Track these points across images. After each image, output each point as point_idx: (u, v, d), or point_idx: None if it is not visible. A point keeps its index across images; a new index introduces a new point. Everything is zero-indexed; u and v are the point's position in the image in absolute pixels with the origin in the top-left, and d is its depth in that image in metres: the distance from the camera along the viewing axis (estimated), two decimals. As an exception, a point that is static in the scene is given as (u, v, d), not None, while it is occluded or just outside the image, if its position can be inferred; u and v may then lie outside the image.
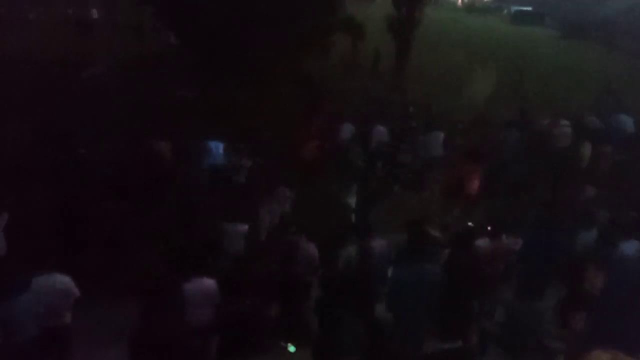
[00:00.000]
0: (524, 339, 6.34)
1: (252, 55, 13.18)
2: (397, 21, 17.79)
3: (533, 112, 12.67)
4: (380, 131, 11.22)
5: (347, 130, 11.10)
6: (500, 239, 7.11)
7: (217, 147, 9.56)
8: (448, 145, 11.42)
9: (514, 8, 38.99)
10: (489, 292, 6.80)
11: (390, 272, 6.22)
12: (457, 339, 5.65)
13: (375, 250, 6.47)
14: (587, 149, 10.97)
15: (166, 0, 14.04)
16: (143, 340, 4.69)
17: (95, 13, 20.61)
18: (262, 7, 12.89)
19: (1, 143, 8.93)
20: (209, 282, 5.72)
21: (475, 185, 9.91)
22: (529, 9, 37.62)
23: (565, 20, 32.35)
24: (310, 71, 15.03)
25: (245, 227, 7.64)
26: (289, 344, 6.30)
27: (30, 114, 10.39)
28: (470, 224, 7.57)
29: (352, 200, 9.87)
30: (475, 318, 6.31)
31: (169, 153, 9.01)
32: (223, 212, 7.75)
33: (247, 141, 9.68)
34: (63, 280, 5.60)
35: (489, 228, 7.23)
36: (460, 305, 5.73)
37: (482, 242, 6.87)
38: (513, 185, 10.14)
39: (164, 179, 8.40)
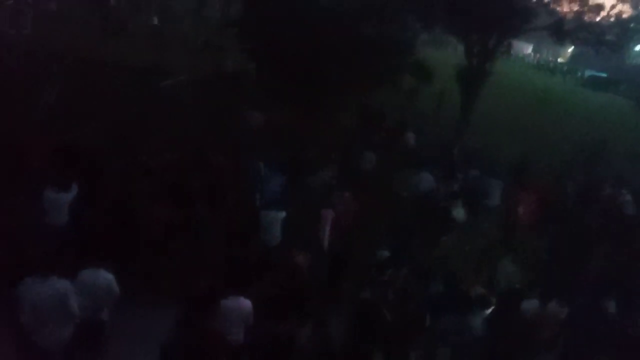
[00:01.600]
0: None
1: (322, 87, 13.51)
2: (467, 71, 17.76)
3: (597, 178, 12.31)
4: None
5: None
6: (549, 304, 6.83)
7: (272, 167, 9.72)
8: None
9: (588, 72, 38.29)
10: (530, 357, 6.50)
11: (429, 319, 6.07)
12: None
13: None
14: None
15: (250, 26, 14.60)
16: (176, 349, 4.76)
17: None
18: (339, 43, 13.25)
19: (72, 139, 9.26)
20: (245, 302, 5.76)
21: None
22: (604, 75, 36.83)
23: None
24: (374, 108, 15.18)
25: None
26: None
27: (106, 115, 10.88)
28: (517, 286, 7.34)
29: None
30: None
31: (228, 167, 9.23)
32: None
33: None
34: (107, 277, 5.74)
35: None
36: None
37: (529, 305, 6.61)
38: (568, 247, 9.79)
39: (220, 192, 8.57)
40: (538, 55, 52.11)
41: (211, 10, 26.42)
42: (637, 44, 36.67)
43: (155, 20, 24.05)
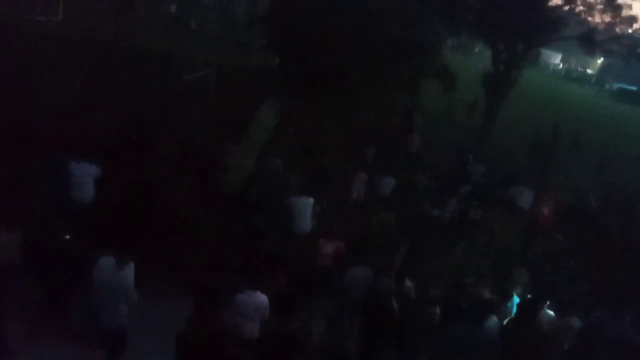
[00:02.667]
0: None
1: (344, 86, 13.47)
2: (493, 78, 17.57)
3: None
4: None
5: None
6: (566, 316, 6.74)
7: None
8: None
9: (617, 85, 37.70)
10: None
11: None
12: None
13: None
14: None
15: (275, 23, 14.65)
16: (189, 339, 4.79)
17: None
18: (363, 45, 13.18)
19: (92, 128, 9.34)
20: (261, 297, 5.77)
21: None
22: (634, 88, 36.22)
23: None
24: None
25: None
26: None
27: (126, 103, 11.00)
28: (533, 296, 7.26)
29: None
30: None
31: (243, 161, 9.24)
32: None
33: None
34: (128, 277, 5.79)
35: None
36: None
37: (545, 317, 6.53)
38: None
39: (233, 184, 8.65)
40: (566, 65, 51.37)
41: (238, 5, 26.51)
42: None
43: (174, 9, 24.11)
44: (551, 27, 16.78)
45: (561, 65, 51.22)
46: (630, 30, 18.06)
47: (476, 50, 32.53)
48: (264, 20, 15.26)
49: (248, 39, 18.17)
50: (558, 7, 17.48)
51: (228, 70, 15.50)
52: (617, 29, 17.80)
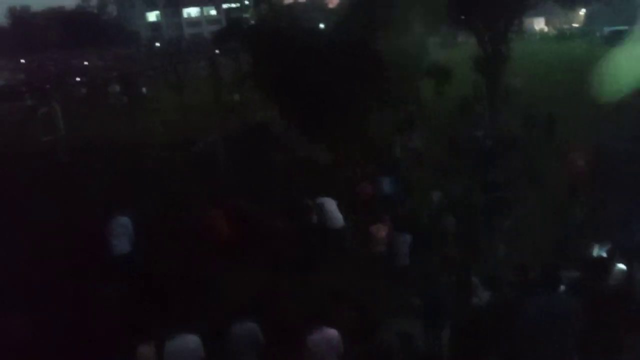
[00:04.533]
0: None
1: (350, 113, 13.71)
2: (484, 60, 17.62)
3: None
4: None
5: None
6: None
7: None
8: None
9: (607, 29, 37.38)
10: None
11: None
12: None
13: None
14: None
15: (263, 76, 15.00)
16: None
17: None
18: (353, 66, 13.40)
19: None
20: (332, 332, 5.76)
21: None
22: (624, 27, 35.86)
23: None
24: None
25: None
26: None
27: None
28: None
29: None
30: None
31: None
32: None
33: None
34: (194, 340, 5.86)
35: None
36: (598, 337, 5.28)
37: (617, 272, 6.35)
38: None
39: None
40: (552, 27, 51.26)
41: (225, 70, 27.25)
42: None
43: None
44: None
45: (547, 28, 51.14)
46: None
47: (459, 39, 32.76)
48: (252, 75, 15.63)
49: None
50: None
51: (231, 131, 15.97)
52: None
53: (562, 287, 5.47)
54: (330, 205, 9.83)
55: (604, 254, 6.86)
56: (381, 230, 9.13)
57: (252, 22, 17.01)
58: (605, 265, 6.10)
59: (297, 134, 14.80)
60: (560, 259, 6.81)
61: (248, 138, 15.28)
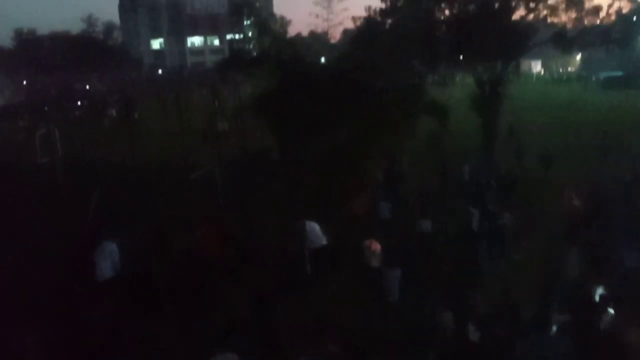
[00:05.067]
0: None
1: (345, 149, 13.78)
2: (481, 100, 17.87)
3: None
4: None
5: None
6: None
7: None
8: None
9: (603, 74, 38.05)
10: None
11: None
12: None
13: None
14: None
15: (261, 106, 15.18)
16: None
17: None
18: (354, 103, 13.58)
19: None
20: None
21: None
22: (620, 73, 36.56)
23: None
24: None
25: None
26: None
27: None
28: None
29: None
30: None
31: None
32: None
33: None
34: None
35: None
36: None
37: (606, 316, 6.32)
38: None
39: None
40: (548, 70, 52.17)
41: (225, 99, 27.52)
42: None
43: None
44: (521, 38, 17.25)
45: (543, 71, 52.04)
46: (598, 21, 18.41)
47: (457, 79, 33.28)
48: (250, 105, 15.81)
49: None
50: (522, 17, 18.02)
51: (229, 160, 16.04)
52: (586, 22, 18.18)
53: (554, 329, 5.44)
54: (314, 227, 9.97)
55: (598, 296, 6.85)
56: (375, 245, 9.32)
57: (254, 53, 17.28)
58: (597, 308, 6.07)
59: (294, 163, 14.90)
60: (553, 300, 6.78)
61: (246, 166, 15.40)
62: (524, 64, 35.47)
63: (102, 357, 6.67)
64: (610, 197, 11.32)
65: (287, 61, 14.82)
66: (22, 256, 9.55)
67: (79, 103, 41.76)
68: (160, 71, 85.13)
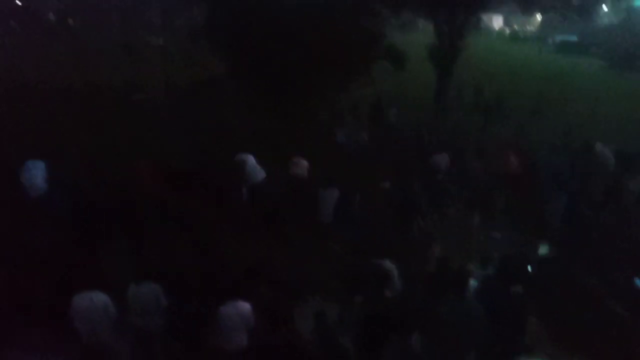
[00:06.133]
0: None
1: (296, 85, 13.53)
2: (439, 51, 17.79)
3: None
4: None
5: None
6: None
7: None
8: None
9: (559, 37, 38.58)
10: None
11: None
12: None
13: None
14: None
15: (217, 32, 14.55)
16: None
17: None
18: (307, 39, 13.22)
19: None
20: (244, 306, 5.75)
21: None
22: (574, 38, 37.17)
23: (613, 51, 31.75)
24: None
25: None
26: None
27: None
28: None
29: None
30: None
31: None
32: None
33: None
34: (102, 299, 5.72)
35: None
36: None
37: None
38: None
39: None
40: (509, 27, 52.33)
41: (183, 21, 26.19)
42: (604, 6, 37.13)
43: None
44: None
45: (505, 29, 52.19)
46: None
47: (420, 26, 32.78)
48: (205, 30, 15.14)
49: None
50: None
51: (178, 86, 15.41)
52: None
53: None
54: (251, 160, 9.81)
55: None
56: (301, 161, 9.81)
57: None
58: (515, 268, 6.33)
59: (245, 93, 14.53)
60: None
61: (195, 93, 14.87)
62: (486, 19, 35.37)
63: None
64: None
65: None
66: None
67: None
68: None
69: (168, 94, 15.22)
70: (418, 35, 26.58)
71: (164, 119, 12.92)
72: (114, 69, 16.25)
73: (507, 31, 50.77)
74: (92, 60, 17.56)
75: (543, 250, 8.16)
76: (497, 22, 52.39)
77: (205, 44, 15.18)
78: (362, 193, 9.60)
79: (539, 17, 42.29)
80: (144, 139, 11.06)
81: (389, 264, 6.77)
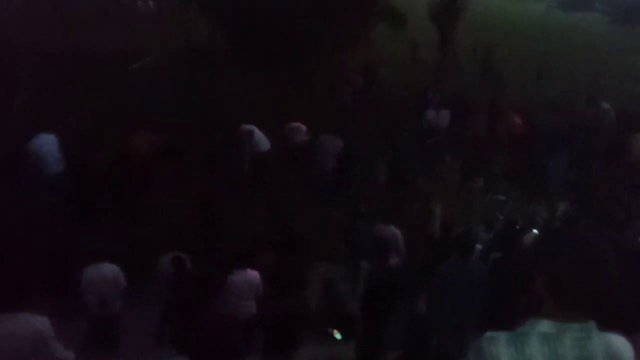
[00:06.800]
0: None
1: (296, 49, 13.34)
2: (440, 8, 17.45)
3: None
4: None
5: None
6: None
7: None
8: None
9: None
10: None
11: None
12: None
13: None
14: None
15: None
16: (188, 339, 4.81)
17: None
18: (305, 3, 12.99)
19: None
20: (253, 274, 5.80)
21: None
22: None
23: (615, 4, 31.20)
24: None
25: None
26: (336, 332, 6.31)
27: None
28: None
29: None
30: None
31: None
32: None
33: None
34: (113, 269, 5.76)
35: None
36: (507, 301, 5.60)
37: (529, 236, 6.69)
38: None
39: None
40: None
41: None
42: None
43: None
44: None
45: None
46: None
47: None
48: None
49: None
50: None
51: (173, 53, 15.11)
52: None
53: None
54: (257, 131, 9.80)
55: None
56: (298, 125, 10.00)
57: None
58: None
59: (244, 62, 14.29)
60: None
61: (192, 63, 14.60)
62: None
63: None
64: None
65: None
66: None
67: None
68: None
69: (160, 62, 14.89)
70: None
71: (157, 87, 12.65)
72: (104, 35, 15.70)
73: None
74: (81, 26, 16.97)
75: (548, 210, 8.17)
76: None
77: (197, 7, 14.88)
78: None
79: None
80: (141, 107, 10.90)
81: (393, 229, 6.81)
